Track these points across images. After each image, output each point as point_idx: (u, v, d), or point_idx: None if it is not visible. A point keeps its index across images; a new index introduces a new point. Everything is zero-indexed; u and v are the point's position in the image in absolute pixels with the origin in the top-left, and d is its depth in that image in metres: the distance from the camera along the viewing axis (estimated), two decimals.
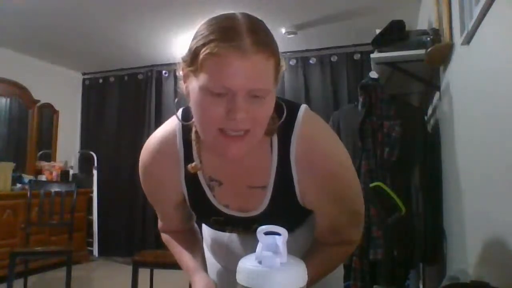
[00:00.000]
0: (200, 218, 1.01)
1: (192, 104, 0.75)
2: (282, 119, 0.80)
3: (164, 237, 1.03)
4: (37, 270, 3.80)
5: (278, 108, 0.78)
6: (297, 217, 0.94)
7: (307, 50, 4.33)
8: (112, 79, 5.26)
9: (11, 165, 4.01)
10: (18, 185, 4.07)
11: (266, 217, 0.86)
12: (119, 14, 3.52)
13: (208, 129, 0.73)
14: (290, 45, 4.15)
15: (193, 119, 0.79)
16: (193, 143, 0.85)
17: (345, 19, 3.62)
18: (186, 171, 0.86)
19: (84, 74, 5.41)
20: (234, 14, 0.73)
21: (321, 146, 0.83)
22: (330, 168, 0.82)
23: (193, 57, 0.71)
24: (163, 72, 4.95)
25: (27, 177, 4.19)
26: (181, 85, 0.78)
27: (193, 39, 0.73)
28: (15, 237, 3.67)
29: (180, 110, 0.88)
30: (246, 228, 0.92)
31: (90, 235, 4.73)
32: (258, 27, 0.71)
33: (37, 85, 4.61)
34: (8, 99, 4.44)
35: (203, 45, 0.69)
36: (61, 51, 4.51)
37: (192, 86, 0.72)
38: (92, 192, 4.81)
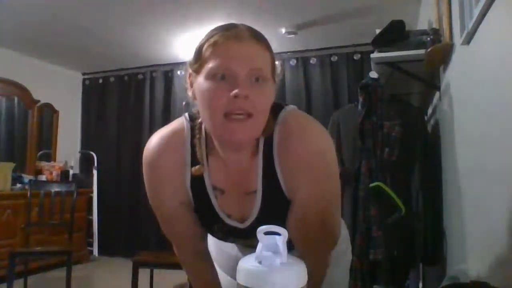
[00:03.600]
0: (204, 224, 0.99)
1: (198, 100, 0.80)
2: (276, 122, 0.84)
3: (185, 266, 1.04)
4: (37, 270, 3.80)
5: (274, 113, 0.83)
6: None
7: (307, 50, 4.33)
8: (112, 79, 5.25)
9: (11, 165, 4.01)
10: (18, 185, 4.07)
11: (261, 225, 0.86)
12: (119, 14, 3.52)
13: (214, 115, 0.76)
14: (290, 45, 4.15)
15: (200, 120, 0.83)
16: (198, 147, 0.86)
17: (345, 19, 3.62)
18: (192, 175, 0.87)
19: (84, 74, 5.41)
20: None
21: (297, 131, 0.83)
22: (306, 149, 0.81)
23: (197, 55, 0.79)
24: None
25: (27, 177, 4.19)
26: (188, 91, 0.83)
27: (197, 44, 0.81)
28: (15, 237, 3.67)
29: (187, 114, 0.91)
30: (246, 239, 0.93)
31: (90, 235, 4.73)
32: (256, 30, 0.80)
33: (37, 85, 4.61)
34: (8, 99, 4.44)
35: (206, 41, 0.78)
36: (61, 51, 4.51)
37: (198, 82, 0.78)
38: (92, 192, 4.81)
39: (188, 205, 0.93)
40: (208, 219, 0.95)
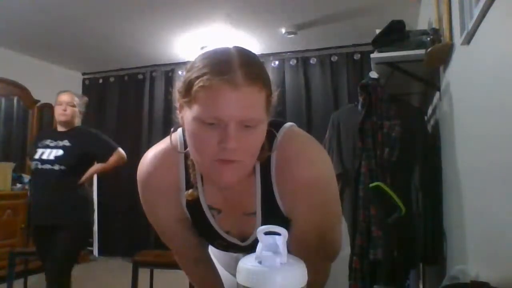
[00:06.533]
0: (204, 239, 1.00)
1: (186, 133, 0.77)
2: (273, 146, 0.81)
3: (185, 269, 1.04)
4: (37, 270, 3.79)
5: (270, 136, 0.80)
6: None
7: (307, 50, 4.33)
8: (112, 79, 5.26)
9: (11, 165, 4.01)
10: (18, 185, 4.07)
11: None
12: (119, 14, 3.52)
13: (202, 158, 0.75)
14: (290, 45, 4.15)
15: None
16: (190, 170, 0.85)
17: (345, 19, 3.62)
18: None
19: (84, 74, 5.41)
20: (228, 48, 0.75)
21: (295, 157, 0.82)
22: (304, 176, 0.80)
23: (187, 89, 0.72)
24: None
25: (27, 177, 4.19)
26: (177, 114, 0.79)
27: (187, 71, 0.74)
28: (15, 237, 3.67)
29: (181, 131, 0.87)
30: (247, 252, 0.93)
31: (90, 235, 4.73)
32: (251, 61, 0.73)
33: (37, 85, 4.61)
34: (8, 99, 4.44)
35: (197, 78, 0.70)
36: (61, 51, 4.52)
37: (186, 116, 0.74)
38: (92, 192, 4.81)
39: (185, 221, 0.92)
40: (207, 236, 0.95)
